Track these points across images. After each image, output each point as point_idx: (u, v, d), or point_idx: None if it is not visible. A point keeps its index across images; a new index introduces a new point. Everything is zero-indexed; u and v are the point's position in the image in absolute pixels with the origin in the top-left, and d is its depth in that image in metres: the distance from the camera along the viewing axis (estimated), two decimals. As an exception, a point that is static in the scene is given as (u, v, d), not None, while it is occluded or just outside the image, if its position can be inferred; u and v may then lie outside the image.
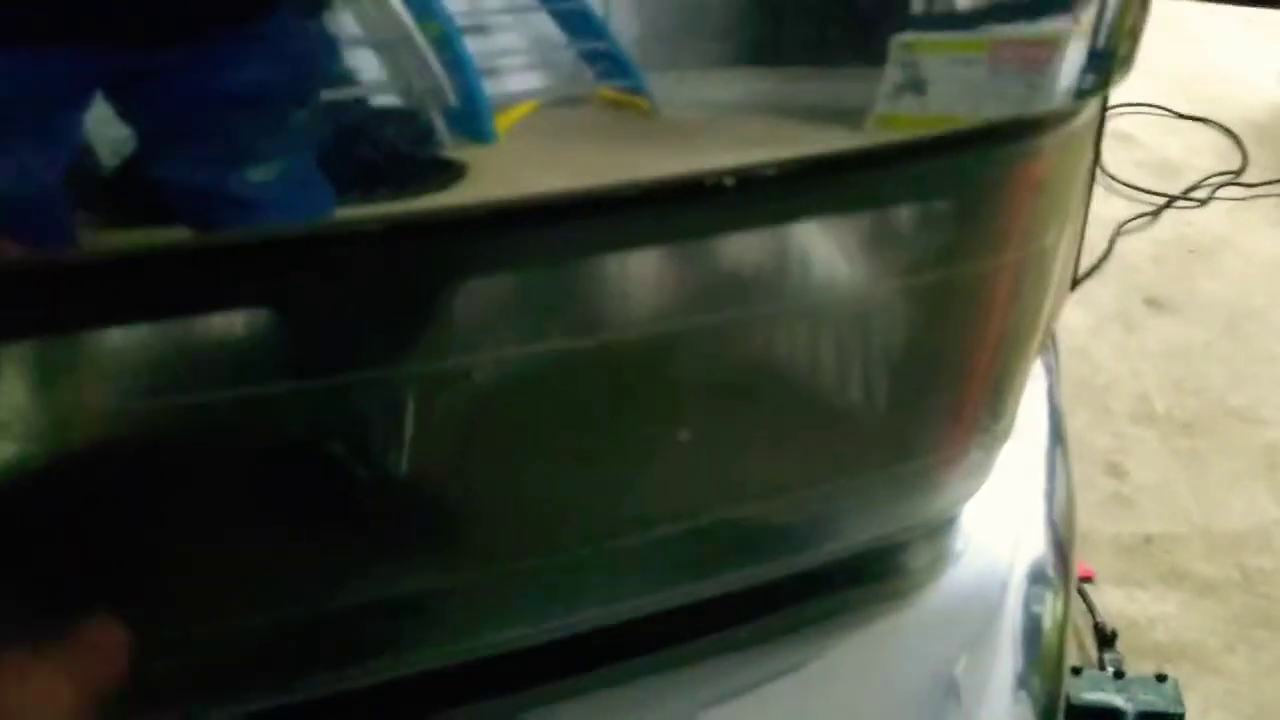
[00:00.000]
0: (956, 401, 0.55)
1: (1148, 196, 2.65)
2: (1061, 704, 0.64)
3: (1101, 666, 1.51)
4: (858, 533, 0.58)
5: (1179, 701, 1.46)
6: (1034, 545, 0.66)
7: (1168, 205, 2.63)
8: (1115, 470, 1.87)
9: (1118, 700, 1.45)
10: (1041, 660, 0.64)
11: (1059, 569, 0.66)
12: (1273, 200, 2.70)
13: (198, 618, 0.48)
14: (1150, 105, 3.07)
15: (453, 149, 0.41)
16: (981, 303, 0.52)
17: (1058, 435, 0.75)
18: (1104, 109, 0.58)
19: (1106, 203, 2.62)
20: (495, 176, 0.42)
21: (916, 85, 0.47)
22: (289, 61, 0.39)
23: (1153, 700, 1.46)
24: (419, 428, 0.48)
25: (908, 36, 0.46)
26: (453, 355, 0.47)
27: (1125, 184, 2.70)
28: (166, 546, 0.47)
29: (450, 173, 0.42)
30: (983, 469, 0.61)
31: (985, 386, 0.55)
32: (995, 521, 0.65)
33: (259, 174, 0.40)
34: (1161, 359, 2.13)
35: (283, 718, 0.52)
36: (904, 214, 0.51)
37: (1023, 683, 0.63)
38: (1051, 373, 0.79)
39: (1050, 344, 0.81)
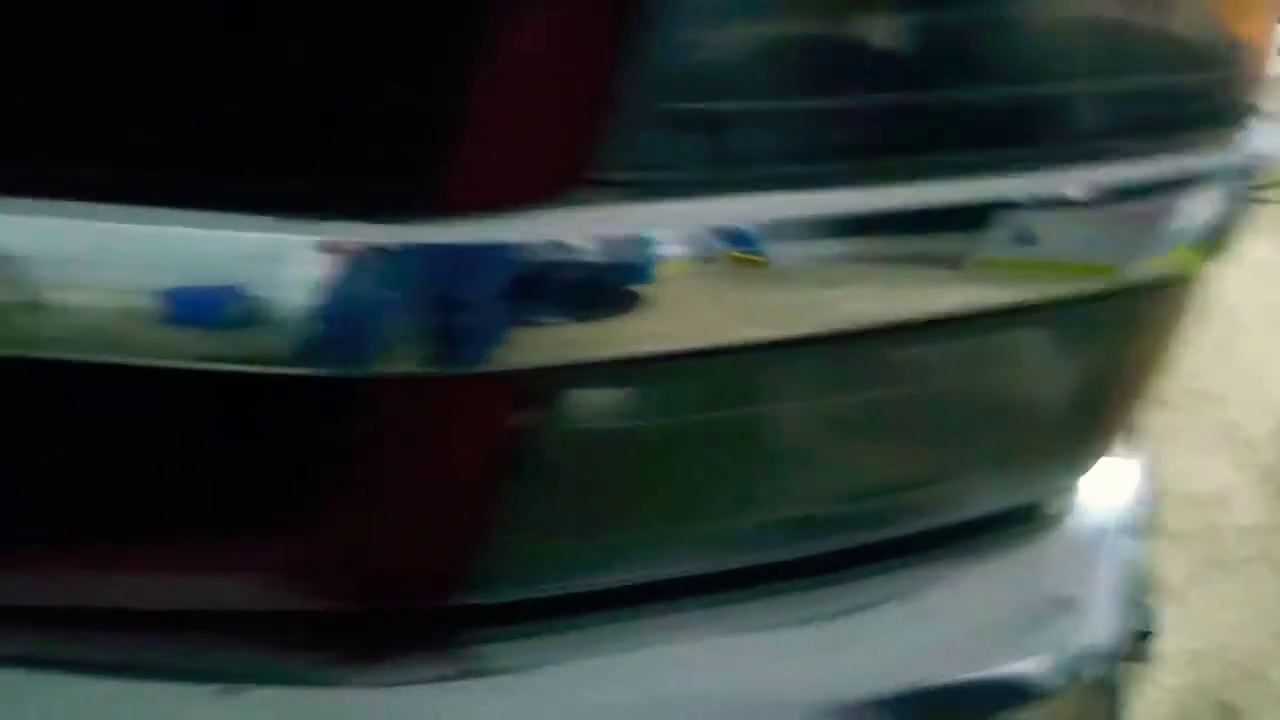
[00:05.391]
0: (1107, 429, 0.81)
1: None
2: (1148, 614, 0.89)
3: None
4: (1023, 496, 0.83)
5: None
6: (1126, 499, 0.90)
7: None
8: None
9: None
10: (1132, 582, 0.88)
11: (1143, 518, 0.91)
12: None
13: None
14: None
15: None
16: (1128, 380, 0.78)
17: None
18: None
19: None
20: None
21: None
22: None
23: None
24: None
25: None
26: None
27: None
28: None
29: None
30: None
31: (1126, 419, 0.82)
32: (1102, 481, 0.90)
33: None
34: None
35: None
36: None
37: (1119, 599, 0.87)
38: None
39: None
